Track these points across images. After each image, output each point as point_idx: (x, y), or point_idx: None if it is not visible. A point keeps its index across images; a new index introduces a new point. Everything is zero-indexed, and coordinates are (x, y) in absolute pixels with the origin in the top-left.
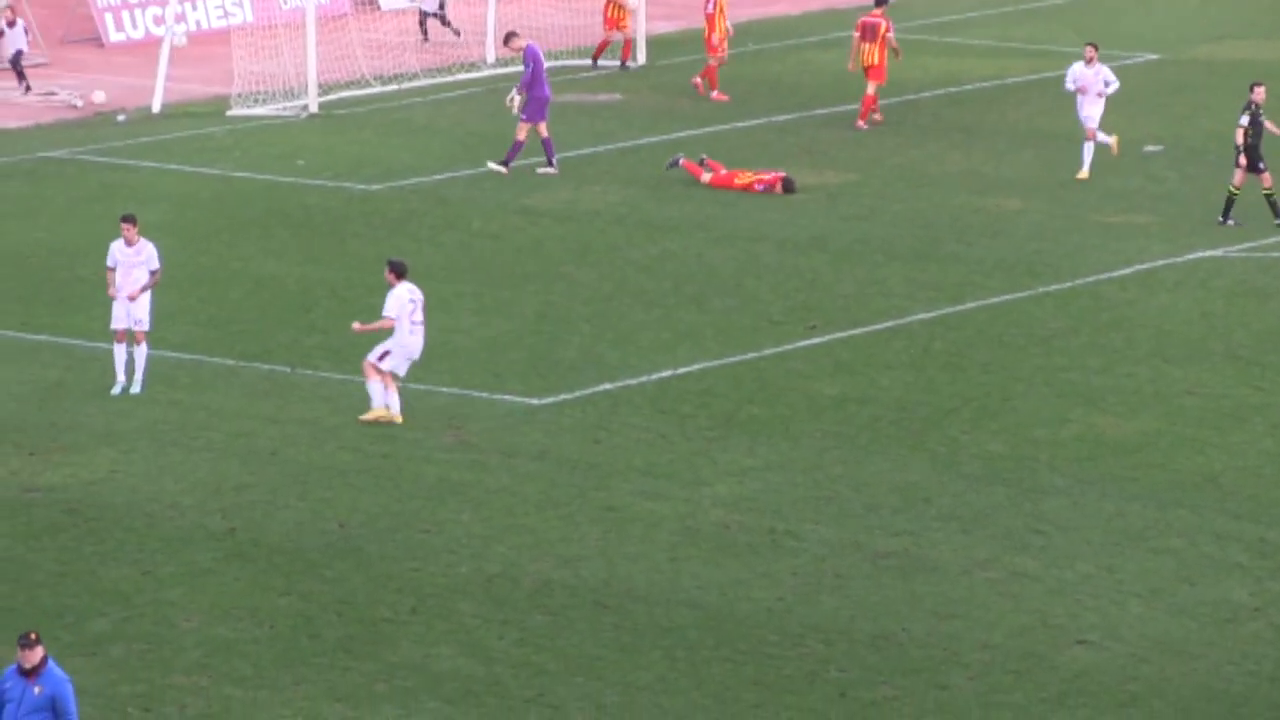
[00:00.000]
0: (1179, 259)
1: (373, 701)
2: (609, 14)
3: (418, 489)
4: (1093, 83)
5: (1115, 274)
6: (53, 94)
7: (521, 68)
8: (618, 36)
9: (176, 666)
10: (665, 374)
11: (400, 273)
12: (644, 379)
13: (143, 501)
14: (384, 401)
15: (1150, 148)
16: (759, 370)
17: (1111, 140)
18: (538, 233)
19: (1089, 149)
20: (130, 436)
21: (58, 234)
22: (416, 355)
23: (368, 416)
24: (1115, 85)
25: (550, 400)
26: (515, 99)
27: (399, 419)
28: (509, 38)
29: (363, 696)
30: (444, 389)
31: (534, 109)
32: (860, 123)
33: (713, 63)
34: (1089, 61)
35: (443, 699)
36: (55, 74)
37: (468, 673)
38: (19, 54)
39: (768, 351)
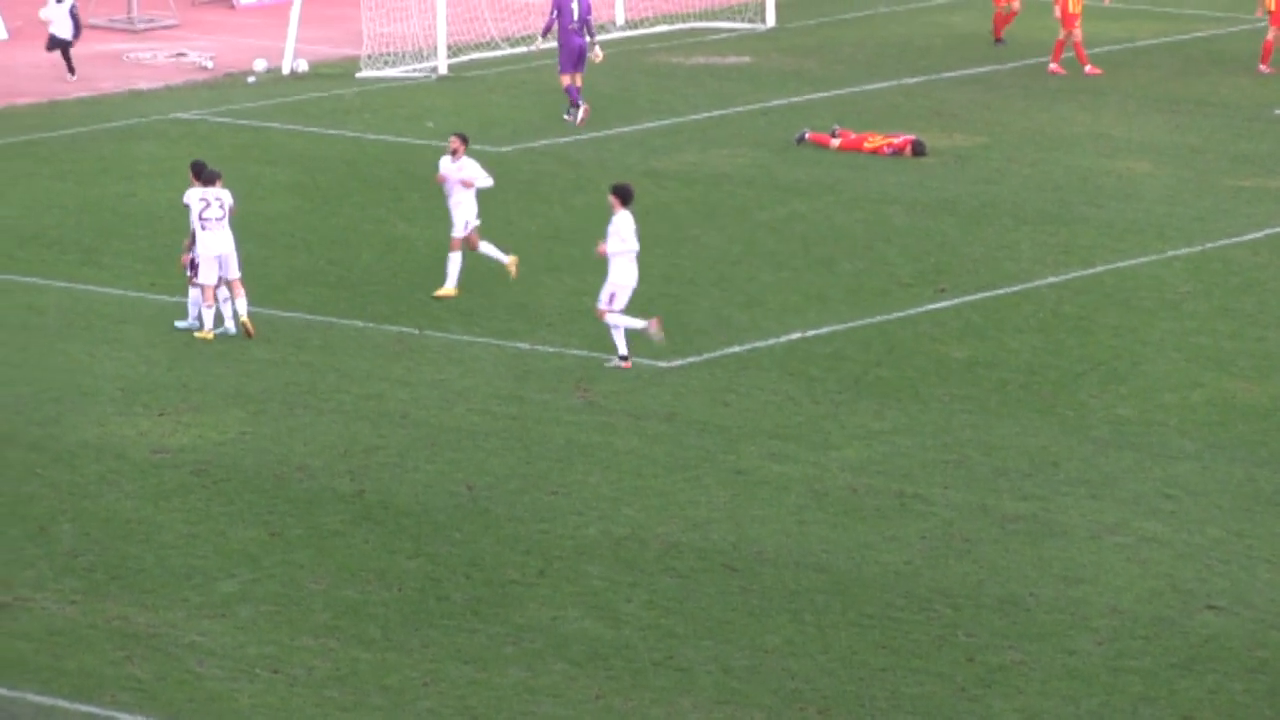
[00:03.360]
0: None
1: (500, 663)
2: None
3: (546, 451)
4: (455, 180)
5: (1246, 238)
6: (182, 55)
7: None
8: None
9: (304, 628)
10: (794, 336)
11: (196, 173)
12: (772, 341)
13: (272, 463)
14: (210, 324)
15: None
16: (887, 333)
17: (508, 260)
18: (665, 195)
19: (455, 260)
20: (259, 398)
21: None
22: (217, 252)
23: (199, 335)
24: (488, 182)
25: (679, 363)
26: (539, 42)
27: (210, 335)
28: None
29: (490, 658)
30: (572, 350)
31: (562, 58)
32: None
33: (1068, 36)
34: (454, 155)
35: (570, 661)
36: (185, 35)
37: (595, 635)
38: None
39: (896, 314)
